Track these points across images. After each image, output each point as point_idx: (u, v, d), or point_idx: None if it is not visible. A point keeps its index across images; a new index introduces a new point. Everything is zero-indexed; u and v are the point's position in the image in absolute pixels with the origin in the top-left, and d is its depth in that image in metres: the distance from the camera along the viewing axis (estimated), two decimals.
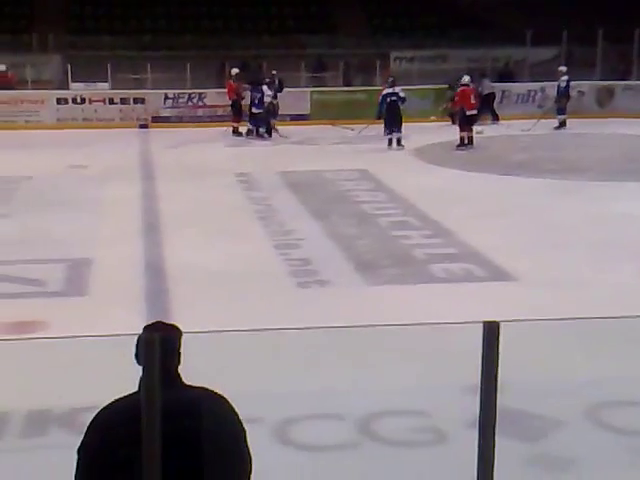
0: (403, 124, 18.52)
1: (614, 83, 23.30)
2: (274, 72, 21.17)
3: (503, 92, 22.80)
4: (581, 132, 20.12)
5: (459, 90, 19.05)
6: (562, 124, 21.07)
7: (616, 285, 8.65)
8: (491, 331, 2.59)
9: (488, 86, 22.47)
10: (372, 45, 25.61)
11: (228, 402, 2.91)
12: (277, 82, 20.88)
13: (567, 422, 5.56)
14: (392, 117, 18.54)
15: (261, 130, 20.14)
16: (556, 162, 16.34)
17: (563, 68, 21.62)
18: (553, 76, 21.62)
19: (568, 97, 21.20)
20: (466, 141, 18.41)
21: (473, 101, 18.85)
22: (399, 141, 18.50)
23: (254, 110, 19.99)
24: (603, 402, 5.83)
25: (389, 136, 18.51)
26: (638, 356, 6.62)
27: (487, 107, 22.18)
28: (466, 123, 18.52)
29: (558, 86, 21.21)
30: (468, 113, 18.61)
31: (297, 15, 27.30)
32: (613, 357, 6.57)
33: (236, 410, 2.90)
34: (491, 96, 22.47)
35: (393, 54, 24.95)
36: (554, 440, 5.35)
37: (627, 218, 11.54)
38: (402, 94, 18.77)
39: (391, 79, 19.48)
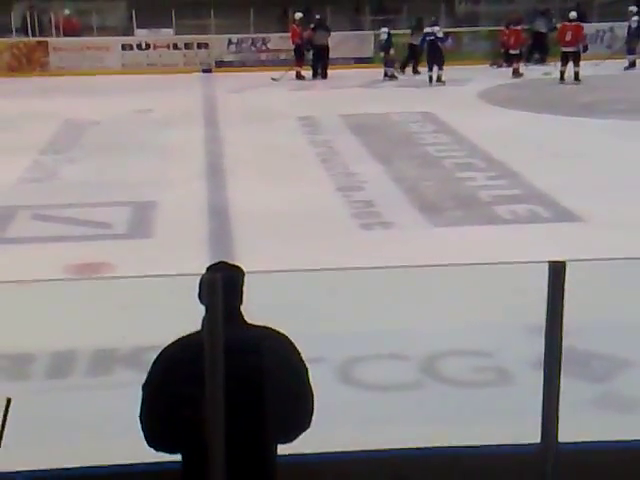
0: (445, 62, 19.24)
1: None
2: (318, 16, 21.13)
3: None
4: None
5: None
6: (632, 64, 20.63)
7: None
8: (557, 270, 2.55)
9: (541, 25, 21.99)
10: None
11: (290, 341, 2.89)
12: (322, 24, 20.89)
13: (635, 362, 5.47)
14: (431, 55, 19.34)
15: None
16: (625, 102, 15.92)
17: (634, 8, 21.07)
18: (622, 16, 21.02)
19: (639, 37, 20.60)
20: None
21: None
22: (439, 78, 19.09)
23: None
24: None
25: (429, 73, 19.16)
26: None
27: (537, 46, 21.77)
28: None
29: (629, 26, 20.70)
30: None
31: None
32: None
33: (298, 349, 2.89)
34: (542, 35, 21.97)
35: None
36: (621, 380, 5.28)
37: None
38: (440, 34, 19.51)
39: (433, 18, 20.31)
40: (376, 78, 20.05)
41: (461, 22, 23.70)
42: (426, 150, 12.51)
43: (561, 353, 2.59)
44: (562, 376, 2.49)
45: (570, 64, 18.69)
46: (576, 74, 18.71)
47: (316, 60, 20.67)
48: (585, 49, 19.23)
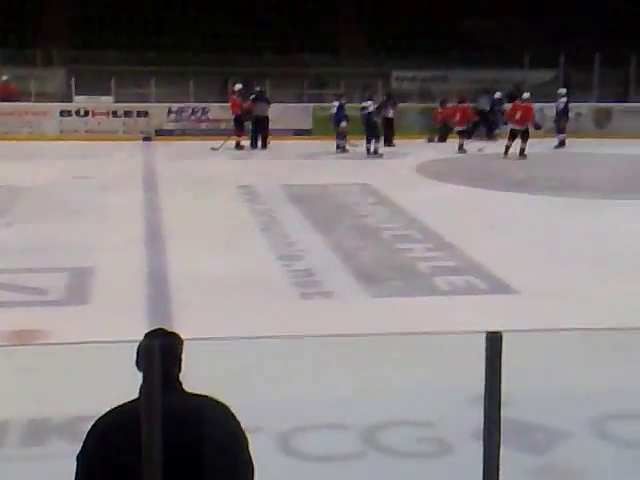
0: (383, 136, 20.10)
1: (611, 105, 23.50)
2: (258, 88, 21.47)
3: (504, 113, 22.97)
4: (580, 152, 20.24)
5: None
6: (562, 143, 21.28)
7: (618, 299, 8.62)
8: (494, 341, 2.58)
9: (484, 103, 22.70)
10: (373, 65, 25.74)
11: (229, 410, 2.87)
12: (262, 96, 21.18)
13: (573, 434, 5.52)
14: (367, 128, 19.77)
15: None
16: (556, 180, 16.38)
17: (562, 90, 21.90)
18: (551, 98, 21.80)
19: (567, 118, 21.47)
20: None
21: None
22: (376, 150, 19.56)
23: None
24: (608, 414, 5.79)
25: (367, 145, 19.68)
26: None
27: (482, 123, 22.47)
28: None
29: (557, 107, 21.43)
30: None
31: (300, 34, 27.41)
32: (617, 369, 6.54)
33: (237, 418, 2.86)
34: (486, 113, 22.67)
35: (394, 73, 25.09)
36: (560, 452, 5.31)
37: (627, 234, 11.54)
38: (371, 108, 19.94)
39: (368, 94, 20.84)
40: (314, 150, 20.29)
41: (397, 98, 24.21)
42: (365, 221, 12.65)
43: (500, 423, 2.60)
44: (502, 447, 2.51)
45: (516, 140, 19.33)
46: (522, 150, 19.32)
47: (256, 130, 20.89)
48: (538, 127, 19.98)
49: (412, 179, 16.62)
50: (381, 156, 19.35)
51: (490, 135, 22.61)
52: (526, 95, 20.22)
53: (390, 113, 21.56)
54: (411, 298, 8.89)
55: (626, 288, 9.01)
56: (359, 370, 6.45)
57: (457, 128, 21.16)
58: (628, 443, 5.51)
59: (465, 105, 21.52)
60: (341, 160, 19.18)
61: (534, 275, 9.50)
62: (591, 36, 24.66)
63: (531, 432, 5.49)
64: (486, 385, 2.57)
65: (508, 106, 21.55)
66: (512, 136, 19.47)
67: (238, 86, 21.27)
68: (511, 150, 19.29)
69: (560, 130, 21.42)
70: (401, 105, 22.61)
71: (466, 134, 21.08)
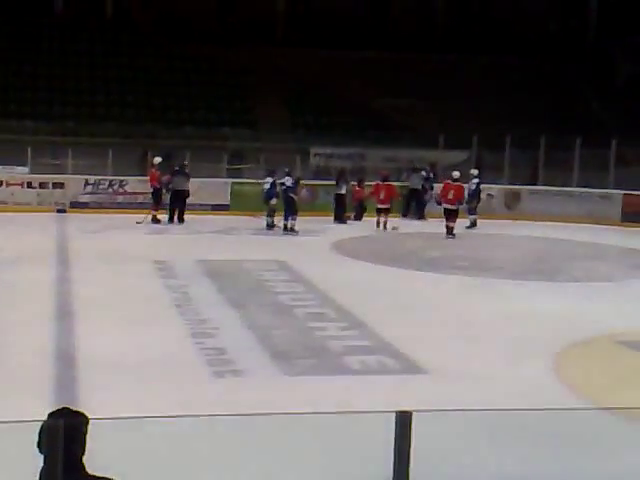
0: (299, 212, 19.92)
1: (521, 187, 24.24)
2: (185, 162, 21.50)
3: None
4: (490, 233, 20.71)
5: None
6: (473, 224, 21.67)
7: (526, 380, 8.83)
8: (403, 420, 2.64)
9: (416, 182, 23.16)
10: (292, 140, 26.11)
11: None
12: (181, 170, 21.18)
13: None
14: (285, 204, 19.94)
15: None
16: (468, 260, 16.75)
17: (474, 171, 22.41)
18: (464, 178, 22.33)
19: (478, 199, 21.90)
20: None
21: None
22: (292, 227, 19.67)
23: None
24: None
25: (284, 222, 19.76)
26: (548, 451, 6.72)
27: (415, 201, 22.89)
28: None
29: (469, 188, 21.93)
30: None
31: (220, 108, 27.68)
32: (523, 451, 6.66)
33: None
34: (416, 192, 23.12)
35: (313, 150, 25.46)
36: None
37: (535, 315, 11.86)
38: (288, 183, 20.04)
39: (287, 170, 20.83)
40: (231, 225, 20.35)
41: (315, 175, 24.56)
42: (279, 298, 12.70)
43: None
44: None
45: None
46: (451, 229, 19.85)
47: (173, 204, 20.85)
48: (460, 204, 20.51)
49: (327, 257, 16.79)
50: (297, 233, 19.52)
51: (421, 214, 22.99)
52: (456, 174, 20.70)
53: (343, 189, 21.92)
54: (323, 377, 8.94)
55: (532, 369, 9.23)
56: (268, 451, 6.42)
57: (382, 206, 21.29)
58: None
59: (389, 183, 21.80)
60: (257, 236, 19.26)
61: (443, 355, 9.66)
62: (504, 119, 25.49)
63: None
64: (395, 463, 2.63)
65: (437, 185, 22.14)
66: (448, 215, 20.05)
67: (157, 159, 21.24)
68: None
69: (471, 211, 21.90)
70: (318, 183, 22.97)
71: (389, 211, 21.30)
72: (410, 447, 2.57)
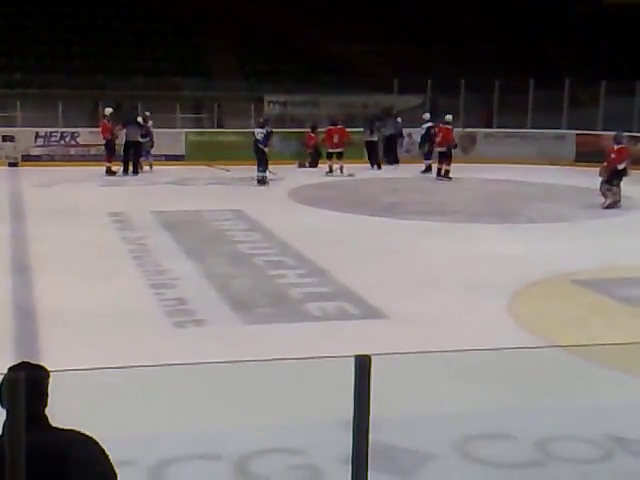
0: (269, 164, 19.39)
1: (476, 130, 24.35)
2: (147, 113, 21.27)
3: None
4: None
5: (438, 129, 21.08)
6: (428, 168, 21.76)
7: (483, 321, 8.97)
8: (362, 364, 2.68)
9: (391, 128, 23.24)
10: (246, 88, 25.88)
11: (98, 444, 2.85)
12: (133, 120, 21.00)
13: (437, 455, 5.72)
14: (256, 157, 19.39)
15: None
16: (424, 204, 16.85)
17: (426, 115, 22.56)
18: (418, 122, 22.44)
19: (432, 142, 21.94)
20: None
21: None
22: (262, 179, 19.15)
23: None
24: (471, 435, 6.01)
25: (257, 175, 19.28)
26: (504, 389, 6.87)
27: (389, 148, 23.04)
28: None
29: (420, 132, 22.07)
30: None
31: (171, 57, 27.29)
32: (480, 390, 6.80)
33: (107, 452, 2.85)
34: (392, 138, 23.18)
35: (267, 98, 25.26)
36: (425, 474, 5.49)
37: (491, 257, 12.00)
38: (259, 136, 19.46)
39: (260, 120, 20.40)
40: (187, 176, 20.21)
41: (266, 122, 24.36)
42: (237, 247, 12.71)
43: (368, 446, 2.69)
44: (370, 470, 2.61)
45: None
46: (447, 172, 20.25)
47: (127, 156, 20.64)
48: (454, 146, 20.83)
49: (285, 205, 16.80)
50: (267, 185, 19.11)
51: (396, 158, 23.04)
52: (448, 117, 20.93)
53: (374, 136, 22.52)
54: (284, 324, 9.00)
55: (489, 311, 9.38)
56: (230, 398, 6.49)
57: (334, 150, 21.30)
58: (490, 463, 5.74)
59: (340, 127, 21.73)
60: (213, 186, 19.17)
61: (402, 300, 9.76)
62: (457, 63, 25.49)
63: (398, 455, 5.65)
64: (355, 409, 2.67)
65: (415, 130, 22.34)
66: (440, 158, 20.56)
67: (108, 110, 20.97)
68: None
69: (425, 155, 22.01)
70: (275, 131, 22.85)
71: (342, 156, 21.31)
72: (369, 391, 2.61)
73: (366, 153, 22.98)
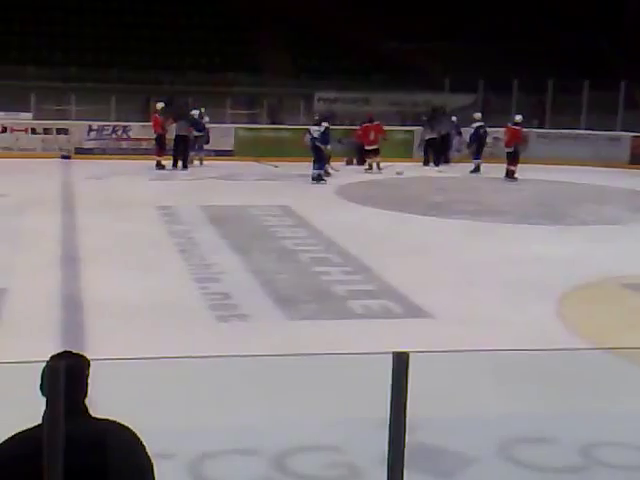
0: (325, 161, 19.30)
1: (529, 131, 23.99)
2: (203, 109, 21.40)
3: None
4: (495, 176, 20.58)
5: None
6: (476, 169, 21.58)
7: (530, 323, 8.84)
8: (400, 361, 2.63)
9: (446, 127, 23.06)
10: (297, 85, 25.90)
11: (136, 435, 2.83)
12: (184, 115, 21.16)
13: (479, 458, 5.63)
14: (313, 154, 19.17)
15: None
16: (472, 204, 16.69)
17: (477, 115, 22.33)
18: (470, 122, 22.26)
19: (482, 143, 21.81)
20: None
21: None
22: (318, 177, 18.96)
23: None
24: (514, 438, 5.92)
25: (312, 172, 19.03)
26: (550, 391, 6.76)
27: (444, 147, 22.98)
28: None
29: (469, 132, 21.90)
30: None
31: (223, 53, 27.43)
32: (526, 392, 6.70)
33: (143, 443, 2.82)
34: (447, 136, 23.09)
35: (317, 95, 25.25)
36: (466, 477, 5.41)
37: (538, 259, 11.83)
38: (316, 134, 19.30)
39: (316, 118, 20.30)
40: (236, 171, 20.30)
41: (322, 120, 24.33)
42: (283, 243, 12.70)
43: (404, 444, 2.63)
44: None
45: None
46: (512, 172, 20.22)
47: (177, 150, 20.79)
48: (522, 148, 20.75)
49: (332, 202, 16.75)
50: (325, 182, 18.95)
51: (448, 158, 22.88)
52: (518, 117, 20.76)
53: (434, 133, 22.52)
54: (327, 321, 8.97)
55: (535, 313, 9.24)
56: (271, 394, 6.48)
57: (371, 147, 21.22)
58: (533, 467, 5.65)
59: (377, 123, 21.61)
60: (261, 182, 19.20)
61: (448, 299, 9.67)
62: (510, 62, 25.23)
63: (439, 456, 5.59)
64: (392, 406, 2.61)
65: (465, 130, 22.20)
66: (508, 159, 20.47)
67: (160, 104, 21.13)
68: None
69: (474, 155, 21.82)
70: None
71: (378, 153, 21.20)
72: (407, 388, 2.55)
73: (422, 150, 22.81)
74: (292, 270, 11.07)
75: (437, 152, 22.88)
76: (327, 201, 16.73)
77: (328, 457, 5.61)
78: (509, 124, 20.91)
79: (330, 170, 19.91)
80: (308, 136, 19.43)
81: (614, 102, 23.78)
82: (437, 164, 22.49)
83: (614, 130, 23.76)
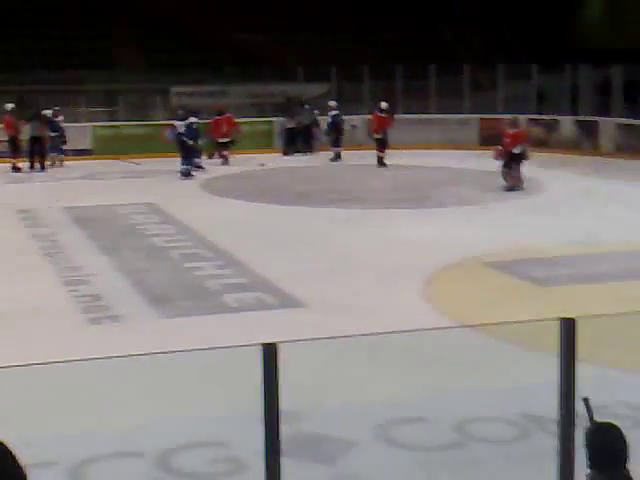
0: (194, 156, 19.21)
1: (397, 117, 24.45)
2: (57, 108, 20.88)
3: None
4: (356, 164, 20.94)
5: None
6: (337, 156, 21.84)
7: (399, 307, 9.07)
8: (270, 352, 2.71)
9: (307, 117, 23.17)
10: (151, 80, 25.54)
11: (3, 444, 2.74)
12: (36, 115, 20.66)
13: (359, 442, 5.78)
14: (180, 150, 18.97)
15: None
16: (336, 192, 16.94)
17: (333, 103, 22.63)
18: (326, 110, 22.53)
19: (340, 130, 22.10)
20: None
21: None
22: (186, 172, 18.78)
23: None
24: (392, 420, 6.11)
25: (181, 167, 18.83)
26: (422, 372, 6.99)
27: (305, 137, 23.03)
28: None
29: (327, 120, 22.17)
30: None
31: (74, 50, 26.73)
32: (398, 375, 6.91)
33: (14, 453, 2.73)
34: (308, 127, 23.17)
35: (173, 89, 24.98)
36: (348, 460, 5.55)
37: (406, 243, 12.16)
38: (182, 129, 19.10)
39: (180, 112, 19.98)
40: (96, 170, 19.90)
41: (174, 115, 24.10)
42: (152, 241, 12.59)
43: (278, 434, 2.69)
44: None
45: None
46: (380, 159, 20.49)
47: (32, 152, 20.19)
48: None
49: (198, 196, 16.69)
50: (190, 178, 18.74)
51: (312, 148, 23.00)
52: (384, 104, 20.98)
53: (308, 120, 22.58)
54: (201, 317, 8.97)
55: (405, 297, 9.50)
56: (148, 394, 6.44)
57: (224, 139, 21.14)
58: (411, 447, 5.85)
59: (227, 115, 21.48)
60: (124, 180, 18.90)
61: (319, 288, 9.81)
62: (360, 50, 25.67)
63: (320, 442, 5.71)
64: (264, 395, 2.69)
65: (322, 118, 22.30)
66: (377, 146, 20.61)
67: (10, 105, 20.48)
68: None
69: (333, 143, 22.11)
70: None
71: (228, 146, 21.18)
72: (277, 378, 2.63)
73: (282, 140, 22.90)
74: (163, 268, 11.00)
75: (303, 142, 23.07)
76: (193, 196, 16.65)
77: (211, 453, 5.65)
78: (376, 111, 21.21)
79: (203, 164, 19.84)
80: (169, 131, 19.23)
81: (459, 86, 24.58)
82: (303, 152, 22.68)
83: (462, 113, 24.57)
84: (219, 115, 21.48)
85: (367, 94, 24.67)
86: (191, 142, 19.09)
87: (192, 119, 19.40)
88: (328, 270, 10.76)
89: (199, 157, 19.98)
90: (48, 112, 20.62)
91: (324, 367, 6.83)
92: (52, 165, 20.57)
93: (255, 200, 16.06)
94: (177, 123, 19.40)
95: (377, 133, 20.79)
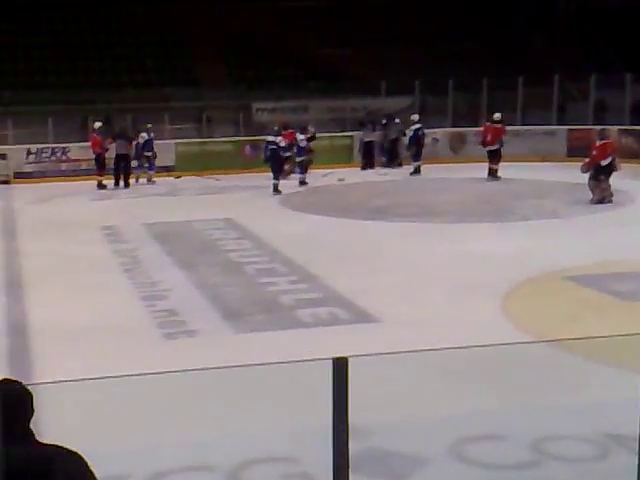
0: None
1: (465, 130, 24.25)
2: (149, 125, 21.36)
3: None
4: (436, 177, 20.78)
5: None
6: (416, 170, 21.71)
7: (476, 322, 8.93)
8: (340, 367, 2.66)
9: (395, 132, 23.18)
10: (233, 96, 25.85)
11: (82, 459, 2.80)
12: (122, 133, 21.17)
13: (431, 459, 5.68)
14: (272, 165, 19.18)
15: None
16: (414, 206, 16.81)
17: (415, 116, 22.45)
18: (406, 124, 22.42)
19: (421, 144, 21.95)
20: None
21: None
22: (274, 187, 18.89)
23: None
24: (466, 437, 5.98)
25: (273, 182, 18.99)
26: (498, 388, 6.85)
27: (390, 152, 23.05)
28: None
29: (408, 134, 22.07)
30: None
31: (159, 68, 27.27)
32: (473, 390, 6.78)
33: (91, 468, 2.80)
34: (395, 141, 23.19)
35: (255, 105, 25.23)
36: (419, 478, 5.46)
37: (482, 257, 11.97)
38: (282, 144, 19.36)
39: (276, 128, 20.05)
40: (177, 186, 20.22)
41: (258, 131, 24.32)
42: (228, 256, 12.69)
43: (347, 448, 2.65)
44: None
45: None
46: (495, 171, 20.22)
47: (117, 169, 20.64)
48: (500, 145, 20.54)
49: (275, 212, 16.77)
50: (279, 193, 18.85)
51: (399, 161, 22.99)
52: (497, 116, 20.77)
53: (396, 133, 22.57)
54: (275, 332, 8.98)
55: (482, 312, 9.34)
56: (226, 407, 6.46)
57: (286, 154, 20.71)
58: (485, 465, 5.72)
59: (291, 131, 21.20)
60: (204, 196, 19.14)
61: (394, 303, 9.74)
62: (445, 63, 25.46)
63: (390, 459, 5.63)
64: (334, 409, 2.65)
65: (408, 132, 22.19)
66: (490, 157, 20.43)
67: (97, 124, 20.99)
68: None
69: (413, 157, 21.96)
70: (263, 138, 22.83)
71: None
72: (347, 393, 2.58)
73: (361, 154, 22.88)
74: (239, 283, 11.06)
75: (389, 156, 22.98)
76: (271, 211, 16.75)
77: (282, 468, 5.62)
78: (487, 122, 21.01)
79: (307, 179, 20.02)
80: (248, 147, 19.42)
81: (548, 97, 24.15)
82: (390, 166, 22.65)
83: (550, 124, 24.12)
84: (284, 130, 21.29)
85: (452, 107, 24.45)
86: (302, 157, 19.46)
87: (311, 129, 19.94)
88: (403, 284, 10.67)
89: (303, 172, 20.14)
90: (144, 135, 21.05)
91: (397, 382, 6.74)
92: (152, 182, 20.96)
93: (332, 215, 16.05)
94: (277, 138, 19.47)
95: (492, 145, 20.41)
